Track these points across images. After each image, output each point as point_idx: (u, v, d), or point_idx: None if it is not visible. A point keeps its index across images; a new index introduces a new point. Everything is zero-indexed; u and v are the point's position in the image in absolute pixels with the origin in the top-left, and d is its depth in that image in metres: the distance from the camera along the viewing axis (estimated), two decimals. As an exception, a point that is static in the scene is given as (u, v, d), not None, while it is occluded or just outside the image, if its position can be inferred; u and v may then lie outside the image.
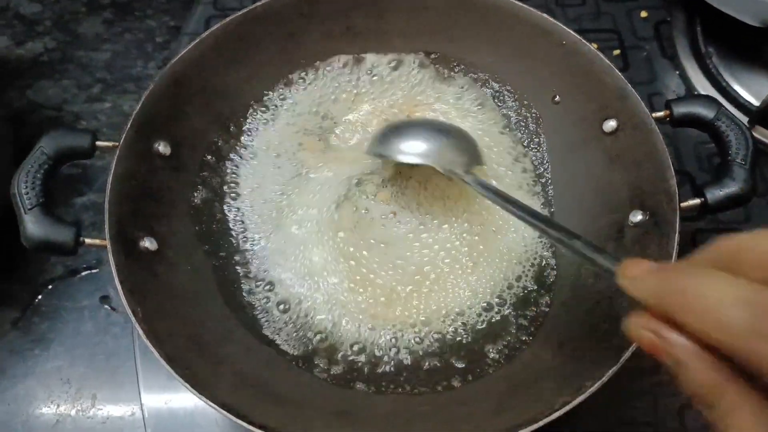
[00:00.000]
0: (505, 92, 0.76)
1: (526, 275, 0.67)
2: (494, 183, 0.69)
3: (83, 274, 0.76)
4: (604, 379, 0.52)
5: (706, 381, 0.32)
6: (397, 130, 0.69)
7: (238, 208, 0.71)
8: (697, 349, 0.32)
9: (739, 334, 0.29)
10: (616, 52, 0.88)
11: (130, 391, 0.69)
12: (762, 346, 0.28)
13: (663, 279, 0.34)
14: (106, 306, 0.74)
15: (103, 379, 0.71)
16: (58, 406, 0.70)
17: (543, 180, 0.72)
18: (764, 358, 0.28)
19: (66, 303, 0.75)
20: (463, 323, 0.65)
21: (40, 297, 0.75)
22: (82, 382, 0.71)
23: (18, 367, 0.71)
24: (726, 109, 0.61)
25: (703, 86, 0.85)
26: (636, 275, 0.36)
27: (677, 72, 0.87)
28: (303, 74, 0.77)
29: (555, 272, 0.67)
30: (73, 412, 0.69)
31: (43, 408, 0.69)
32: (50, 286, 0.75)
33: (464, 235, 0.69)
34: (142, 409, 0.68)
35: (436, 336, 0.65)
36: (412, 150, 0.66)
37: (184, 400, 0.67)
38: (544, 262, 0.68)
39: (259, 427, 0.51)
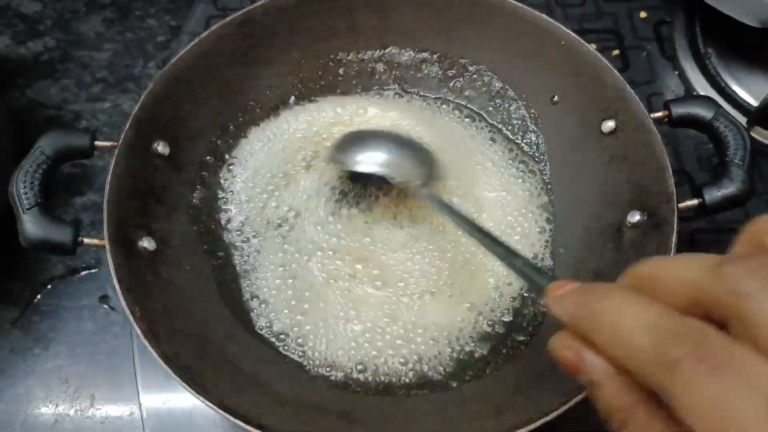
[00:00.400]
0: (505, 92, 0.76)
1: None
2: (454, 200, 0.70)
3: (83, 273, 0.76)
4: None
5: (616, 402, 0.32)
6: (354, 139, 0.69)
7: (238, 208, 0.71)
8: (611, 370, 0.32)
9: (643, 359, 0.29)
10: (616, 52, 0.88)
11: (129, 390, 0.69)
12: (662, 373, 0.28)
13: (580, 301, 0.34)
14: (105, 306, 0.74)
15: (102, 379, 0.71)
16: (57, 405, 0.70)
17: (544, 180, 0.73)
18: (663, 386, 0.28)
19: (66, 302, 0.75)
20: (460, 329, 0.65)
21: (39, 296, 0.75)
22: (81, 382, 0.71)
23: (17, 366, 0.71)
24: (724, 109, 0.61)
25: (703, 87, 0.85)
26: (559, 295, 0.36)
27: (676, 72, 0.87)
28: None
29: (552, 273, 0.67)
30: (71, 412, 0.69)
31: (41, 407, 0.70)
32: (50, 286, 0.75)
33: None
34: (140, 409, 0.68)
35: (431, 342, 0.65)
36: (369, 159, 0.66)
37: (183, 399, 0.67)
38: (540, 265, 0.68)
39: (258, 427, 0.51)
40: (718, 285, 0.29)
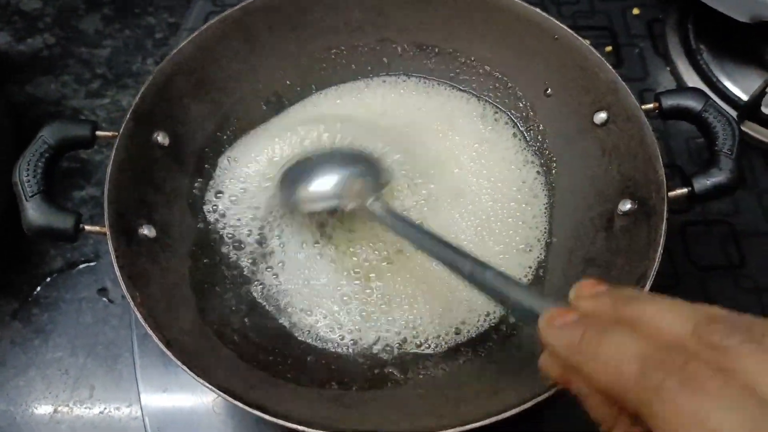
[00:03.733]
0: (499, 85, 0.77)
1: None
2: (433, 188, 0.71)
3: (81, 266, 0.77)
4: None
5: (603, 412, 0.35)
6: (296, 173, 0.68)
7: (236, 198, 0.71)
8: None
9: (628, 386, 0.32)
10: (609, 48, 0.89)
11: (128, 382, 0.70)
12: (645, 394, 0.31)
13: (577, 336, 0.36)
14: (104, 298, 0.75)
15: (101, 371, 0.71)
16: (56, 397, 0.70)
17: (541, 172, 0.74)
18: (644, 405, 0.31)
19: (65, 295, 0.75)
20: (462, 321, 0.66)
21: (39, 289, 0.76)
22: (80, 373, 0.71)
23: (17, 358, 0.72)
24: (713, 100, 0.62)
25: (694, 82, 0.86)
26: (558, 325, 0.38)
27: (669, 68, 0.88)
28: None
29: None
30: (70, 403, 0.70)
31: (41, 399, 0.70)
32: (49, 278, 0.76)
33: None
34: (139, 400, 0.68)
35: (430, 332, 0.66)
36: (314, 195, 0.66)
37: (182, 389, 0.68)
38: (535, 256, 0.69)
39: (257, 408, 0.51)
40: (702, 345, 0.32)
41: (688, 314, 0.33)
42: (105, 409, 0.70)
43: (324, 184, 0.65)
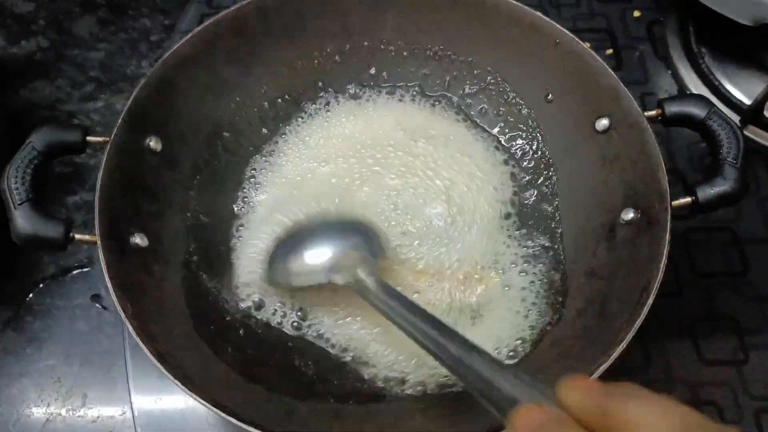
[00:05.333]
0: (501, 90, 0.76)
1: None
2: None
3: (75, 272, 0.76)
4: (596, 375, 0.52)
5: None
6: (286, 247, 0.66)
7: (233, 204, 0.71)
8: None
9: None
10: (609, 51, 0.89)
11: (122, 390, 0.69)
12: None
13: (599, 400, 0.34)
14: (98, 305, 0.74)
15: (94, 379, 0.71)
16: (49, 405, 0.69)
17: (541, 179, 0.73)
18: None
19: (58, 302, 0.75)
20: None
21: (31, 296, 0.75)
22: (73, 381, 0.70)
23: (10, 366, 0.71)
24: (717, 108, 0.61)
25: (696, 86, 0.85)
26: (579, 386, 0.36)
27: (670, 72, 0.87)
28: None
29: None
30: (63, 411, 0.69)
31: (33, 407, 0.69)
32: (42, 285, 0.75)
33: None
34: (131, 408, 0.67)
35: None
36: (308, 270, 0.64)
37: (175, 398, 0.67)
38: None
39: (251, 425, 0.50)
40: None
41: (668, 423, 0.32)
42: (98, 417, 0.69)
43: (315, 256, 0.64)
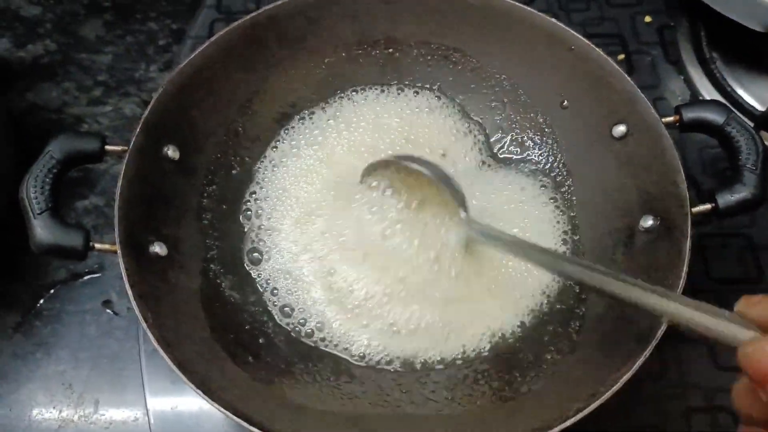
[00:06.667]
0: (515, 97, 0.76)
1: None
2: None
3: (85, 278, 0.76)
4: (618, 385, 0.52)
5: None
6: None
7: (249, 211, 0.71)
8: None
9: None
10: (621, 56, 0.88)
11: (134, 395, 0.69)
12: None
13: None
14: (108, 310, 0.74)
15: (106, 384, 0.70)
16: (60, 411, 0.69)
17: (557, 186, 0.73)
18: None
19: (68, 307, 0.74)
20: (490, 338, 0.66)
21: (42, 301, 0.74)
22: (84, 387, 0.70)
23: (20, 371, 0.71)
24: (736, 114, 0.61)
25: (708, 91, 0.85)
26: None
27: (681, 77, 0.87)
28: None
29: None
30: (75, 417, 0.69)
31: (45, 413, 0.69)
32: (52, 290, 0.75)
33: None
34: (147, 414, 0.67)
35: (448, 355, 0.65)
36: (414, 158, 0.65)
37: (191, 404, 0.67)
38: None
39: (274, 436, 0.50)
40: None
41: None
42: (111, 423, 0.68)
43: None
